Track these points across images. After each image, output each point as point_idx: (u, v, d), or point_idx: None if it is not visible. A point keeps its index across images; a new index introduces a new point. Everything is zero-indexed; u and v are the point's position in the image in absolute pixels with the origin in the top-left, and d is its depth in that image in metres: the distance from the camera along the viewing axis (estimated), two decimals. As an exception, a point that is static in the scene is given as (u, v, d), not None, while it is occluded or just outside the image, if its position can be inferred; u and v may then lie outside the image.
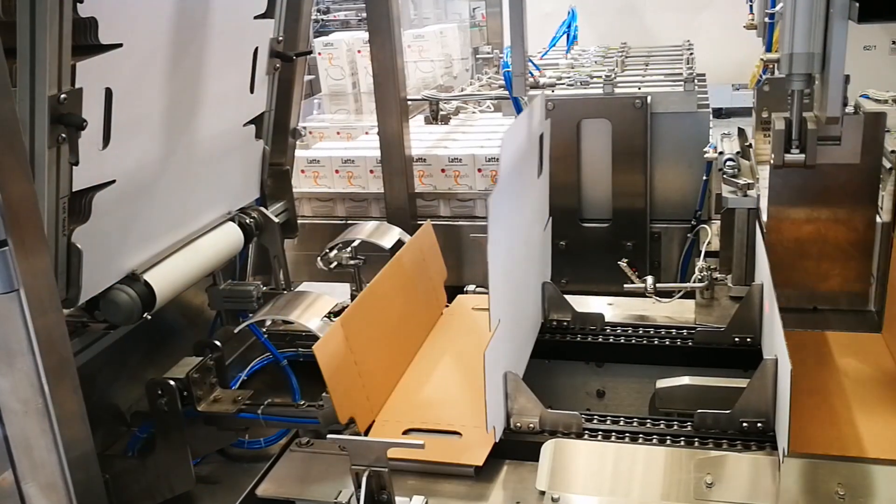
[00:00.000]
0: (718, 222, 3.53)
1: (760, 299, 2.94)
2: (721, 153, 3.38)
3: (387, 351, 2.83)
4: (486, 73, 5.79)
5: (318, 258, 3.43)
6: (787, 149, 2.94)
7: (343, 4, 14.07)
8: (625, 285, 3.40)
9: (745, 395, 2.47)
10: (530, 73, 4.28)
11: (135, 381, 2.91)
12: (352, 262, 3.42)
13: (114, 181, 2.43)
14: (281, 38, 3.17)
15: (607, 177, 4.14)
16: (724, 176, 3.14)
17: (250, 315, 3.03)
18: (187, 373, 2.65)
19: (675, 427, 2.55)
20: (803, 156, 2.92)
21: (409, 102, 4.41)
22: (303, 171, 4.56)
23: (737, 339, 3.04)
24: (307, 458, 2.65)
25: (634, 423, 2.59)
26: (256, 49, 3.05)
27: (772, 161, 3.04)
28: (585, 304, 3.47)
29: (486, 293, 2.41)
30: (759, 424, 2.46)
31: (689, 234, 4.09)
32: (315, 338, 2.60)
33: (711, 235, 3.65)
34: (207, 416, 2.71)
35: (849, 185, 3.12)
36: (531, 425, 2.56)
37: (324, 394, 2.55)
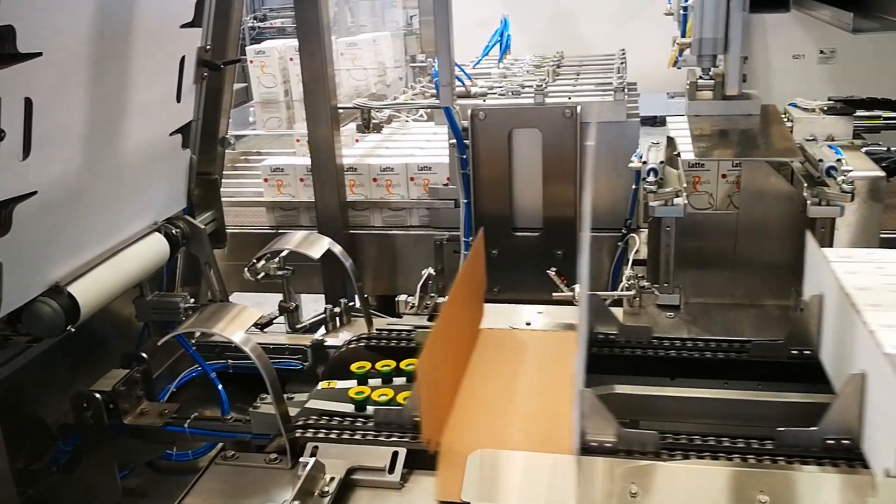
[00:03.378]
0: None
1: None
2: (644, 163, 3.41)
3: (451, 369, 2.70)
4: (419, 82, 5.80)
5: (246, 269, 3.39)
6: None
7: (280, 12, 14.08)
8: (553, 294, 3.41)
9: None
10: (461, 82, 4.30)
11: (61, 393, 2.86)
12: (280, 272, 3.39)
13: (35, 192, 2.39)
14: (209, 47, 3.15)
15: (538, 186, 4.16)
16: (645, 187, 3.15)
17: (176, 326, 3.00)
18: (113, 385, 2.64)
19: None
20: (713, 81, 3.38)
21: (341, 110, 4.41)
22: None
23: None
24: (232, 471, 2.62)
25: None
26: (183, 58, 3.03)
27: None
28: (516, 312, 3.47)
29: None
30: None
31: (619, 243, 4.13)
32: (240, 349, 2.57)
33: (640, 244, 3.68)
34: (134, 429, 2.69)
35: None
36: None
37: (250, 408, 2.54)
